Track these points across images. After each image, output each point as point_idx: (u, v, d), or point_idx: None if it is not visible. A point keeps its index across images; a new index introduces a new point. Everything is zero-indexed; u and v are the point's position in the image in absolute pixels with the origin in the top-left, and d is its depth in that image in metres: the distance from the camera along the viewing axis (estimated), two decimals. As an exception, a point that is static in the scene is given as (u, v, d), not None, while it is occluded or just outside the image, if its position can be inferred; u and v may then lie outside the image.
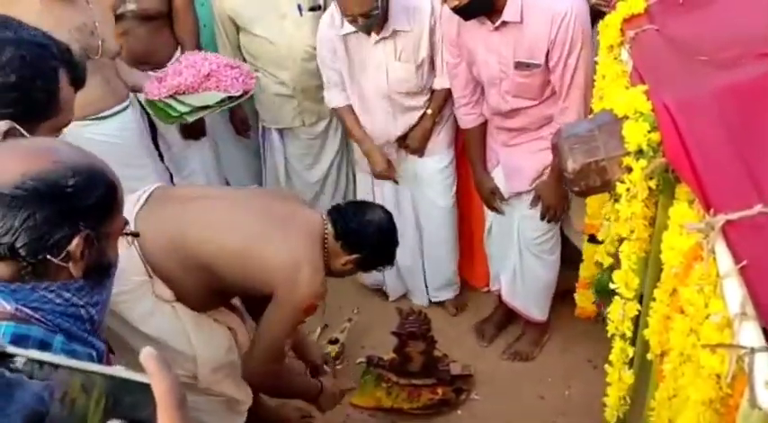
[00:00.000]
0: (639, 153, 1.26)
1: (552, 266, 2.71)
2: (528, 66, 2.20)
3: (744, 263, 0.95)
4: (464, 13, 2.16)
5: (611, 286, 1.39)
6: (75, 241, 0.95)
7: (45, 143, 1.02)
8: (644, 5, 1.71)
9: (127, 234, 1.10)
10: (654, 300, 1.29)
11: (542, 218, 2.49)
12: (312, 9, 2.73)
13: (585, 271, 2.19)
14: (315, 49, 2.72)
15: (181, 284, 1.89)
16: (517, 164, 2.49)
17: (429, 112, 2.67)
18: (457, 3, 2.10)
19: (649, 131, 1.24)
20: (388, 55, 2.54)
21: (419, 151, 2.76)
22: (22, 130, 1.17)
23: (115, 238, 1.05)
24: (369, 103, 2.66)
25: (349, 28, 2.51)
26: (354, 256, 2.02)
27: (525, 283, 2.73)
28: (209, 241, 1.83)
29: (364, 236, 2.02)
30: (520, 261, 2.71)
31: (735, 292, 0.95)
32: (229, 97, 2.37)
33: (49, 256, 0.94)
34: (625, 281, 1.36)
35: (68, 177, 0.93)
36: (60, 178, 0.93)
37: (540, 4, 2.15)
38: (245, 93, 2.42)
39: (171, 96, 2.34)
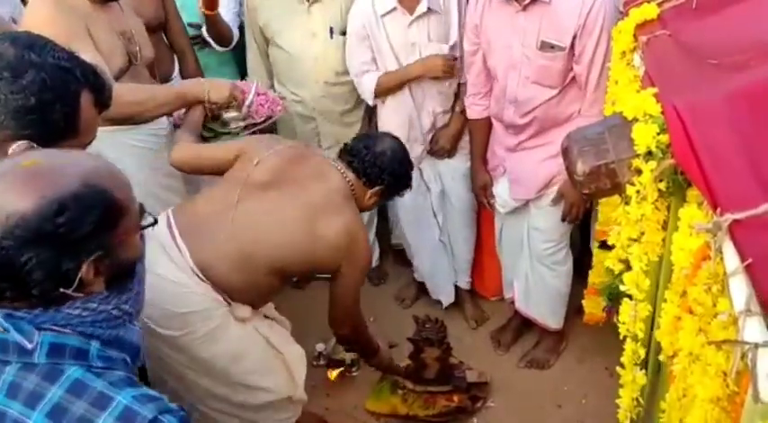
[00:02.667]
0: (649, 155, 1.26)
1: (565, 276, 2.71)
2: (552, 47, 2.20)
3: (749, 261, 0.95)
4: None
5: (622, 288, 1.40)
6: (84, 268, 0.94)
7: (34, 169, 0.96)
8: (657, 12, 1.72)
9: (144, 227, 1.07)
10: (665, 301, 1.29)
11: (563, 218, 2.48)
12: (344, 33, 2.71)
13: (595, 277, 2.19)
14: (341, 74, 2.75)
15: (253, 294, 1.98)
16: (524, 171, 2.50)
17: (458, 109, 2.68)
18: None
19: (658, 133, 1.25)
20: (422, 35, 2.55)
21: (449, 152, 2.77)
22: (37, 147, 1.17)
23: (130, 238, 1.02)
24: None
25: (386, 7, 2.52)
26: (378, 188, 2.09)
27: (538, 292, 2.73)
28: (271, 243, 1.91)
29: (383, 167, 2.08)
30: (531, 271, 2.71)
31: (741, 290, 0.95)
32: (253, 123, 2.37)
33: (62, 290, 0.93)
34: (636, 282, 1.36)
35: (55, 216, 0.90)
36: (47, 219, 0.89)
37: None
38: (269, 118, 2.42)
39: None
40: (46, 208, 0.90)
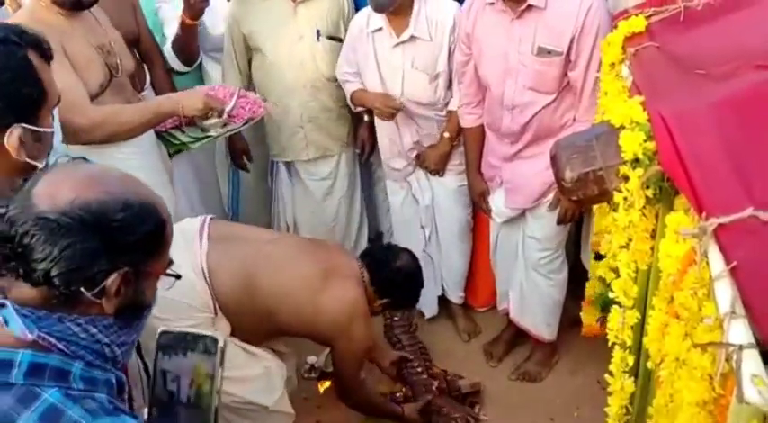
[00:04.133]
0: (636, 162, 1.28)
1: (560, 285, 2.71)
2: (549, 52, 2.20)
3: (734, 264, 0.96)
4: None
5: (611, 296, 1.40)
6: (113, 278, 0.92)
7: (102, 171, 0.99)
8: (645, 24, 1.74)
9: (170, 275, 1.05)
10: (653, 308, 1.30)
11: (559, 222, 2.48)
12: (331, 38, 2.72)
13: (591, 288, 2.19)
14: (328, 79, 2.76)
15: (241, 322, 2.00)
16: (521, 180, 2.50)
17: (446, 135, 2.68)
18: None
19: (645, 140, 1.27)
20: (405, 60, 2.58)
21: (437, 172, 2.79)
22: (32, 127, 1.18)
23: (156, 278, 1.01)
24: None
25: (375, 25, 2.56)
26: (385, 300, 2.19)
27: (533, 301, 2.73)
28: (279, 286, 1.97)
29: (396, 283, 2.19)
30: (526, 280, 2.71)
31: (725, 293, 0.96)
32: (233, 127, 2.39)
33: (82, 289, 0.91)
34: (624, 289, 1.37)
35: (117, 211, 0.91)
36: (108, 211, 0.90)
37: None
38: (250, 119, 2.44)
39: (175, 127, 2.36)
40: (111, 201, 0.91)
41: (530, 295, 2.72)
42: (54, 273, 0.89)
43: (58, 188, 0.92)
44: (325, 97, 2.81)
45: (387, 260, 2.20)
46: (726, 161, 1.13)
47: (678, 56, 1.54)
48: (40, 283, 0.90)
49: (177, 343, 0.91)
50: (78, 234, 0.89)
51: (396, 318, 2.57)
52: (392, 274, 2.18)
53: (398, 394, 2.47)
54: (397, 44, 2.56)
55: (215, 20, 2.81)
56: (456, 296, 3.09)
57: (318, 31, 2.72)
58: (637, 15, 1.80)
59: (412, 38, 2.53)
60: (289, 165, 3.03)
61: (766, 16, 1.50)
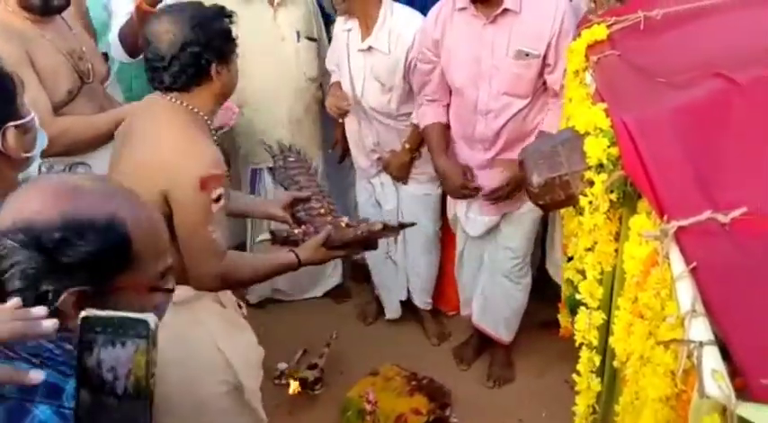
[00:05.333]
0: (600, 167, 1.32)
1: (526, 289, 2.77)
2: (527, 55, 2.24)
3: (694, 264, 1.00)
4: None
5: (578, 297, 1.44)
6: (63, 297, 0.89)
7: (66, 184, 0.95)
8: (606, 33, 1.79)
9: (160, 289, 1.01)
10: (618, 308, 1.33)
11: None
12: (309, 38, 2.79)
13: (566, 290, 2.22)
14: (310, 79, 2.81)
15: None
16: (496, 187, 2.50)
17: (407, 146, 2.71)
18: None
19: (609, 146, 1.31)
20: (366, 66, 2.62)
21: (399, 180, 2.82)
22: (20, 121, 1.20)
23: (140, 293, 0.97)
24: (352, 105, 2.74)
25: (348, 25, 2.61)
26: None
27: (498, 305, 2.78)
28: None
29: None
30: (491, 285, 2.75)
31: (686, 293, 0.99)
32: None
33: None
34: (590, 291, 1.40)
35: (53, 231, 0.88)
36: (44, 231, 0.88)
37: None
38: (220, 128, 2.39)
39: None
40: (49, 220, 0.88)
41: (494, 299, 2.77)
42: (9, 289, 0.88)
43: (10, 207, 0.91)
44: (308, 97, 2.85)
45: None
46: (685, 166, 1.18)
47: (639, 64, 1.59)
48: (2, 300, 0.89)
49: (107, 329, 0.84)
50: (20, 255, 0.87)
51: (291, 158, 2.20)
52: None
53: (297, 231, 1.98)
54: (360, 50, 2.61)
55: None
56: (422, 302, 3.11)
57: (298, 33, 2.76)
58: (599, 24, 1.85)
59: (370, 48, 2.58)
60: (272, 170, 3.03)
61: (722, 27, 1.56)
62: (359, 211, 3.06)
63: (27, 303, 0.88)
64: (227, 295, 2.06)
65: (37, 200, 0.91)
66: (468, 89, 2.39)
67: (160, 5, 2.31)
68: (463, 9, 2.31)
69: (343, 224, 1.94)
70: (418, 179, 2.80)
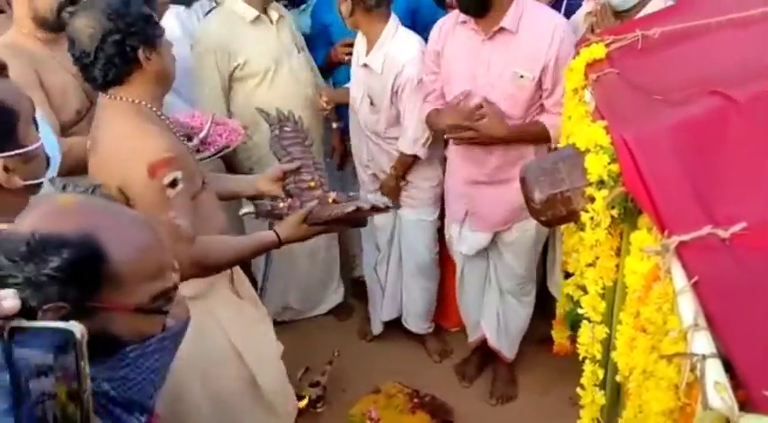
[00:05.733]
0: (601, 183, 1.33)
1: (531, 306, 2.78)
2: (522, 76, 2.26)
3: (695, 279, 1.02)
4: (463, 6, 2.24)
5: (580, 311, 1.45)
6: (41, 312, 0.89)
7: (51, 202, 0.97)
8: (605, 51, 1.82)
9: (150, 311, 0.99)
10: (620, 323, 1.34)
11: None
12: (302, 49, 2.91)
13: (561, 307, 2.24)
14: (314, 88, 2.90)
15: None
16: (486, 205, 2.54)
17: (393, 171, 2.73)
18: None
19: (609, 163, 1.32)
20: (363, 84, 2.68)
21: (394, 202, 2.83)
22: (13, 152, 1.20)
23: (125, 313, 0.95)
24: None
25: (359, 39, 2.68)
26: None
27: (509, 325, 2.78)
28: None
29: None
30: (502, 305, 2.76)
31: (688, 307, 1.01)
32: (207, 154, 2.35)
33: (23, 320, 0.87)
34: (592, 305, 1.42)
35: (21, 244, 0.88)
36: (16, 242, 0.89)
37: (539, 15, 2.23)
38: (226, 147, 2.43)
39: None
40: (22, 236, 0.89)
41: (505, 320, 2.78)
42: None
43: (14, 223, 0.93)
44: (313, 106, 2.91)
45: None
46: (684, 182, 1.20)
47: (637, 82, 1.62)
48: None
49: (36, 343, 0.81)
50: (6, 269, 0.88)
51: (287, 128, 2.11)
52: None
53: (282, 205, 1.94)
54: (360, 65, 2.66)
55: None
56: (417, 327, 3.11)
57: (296, 45, 2.86)
58: (597, 43, 1.88)
59: (365, 65, 2.62)
60: None
61: (718, 45, 1.59)
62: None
63: (16, 318, 0.87)
64: (245, 286, 2.05)
65: (24, 217, 0.93)
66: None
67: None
68: (465, 22, 2.33)
69: (330, 200, 1.89)
70: (412, 204, 2.82)
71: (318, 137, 2.98)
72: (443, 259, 3.05)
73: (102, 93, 1.72)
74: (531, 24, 2.23)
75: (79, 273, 0.90)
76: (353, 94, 2.75)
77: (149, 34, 1.66)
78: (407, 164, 2.68)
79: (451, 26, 2.39)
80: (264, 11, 2.76)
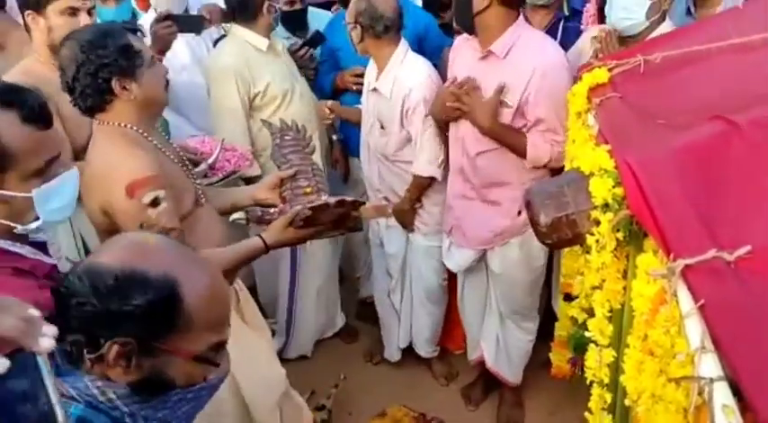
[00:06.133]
0: (606, 206, 1.35)
1: (532, 332, 2.78)
2: (501, 102, 2.28)
3: (702, 302, 1.02)
4: (456, 18, 2.30)
5: (587, 334, 1.45)
6: (108, 344, 0.91)
7: (137, 239, 1.01)
8: (608, 76, 1.85)
9: (205, 361, 1.00)
10: (628, 346, 1.35)
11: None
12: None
13: (561, 329, 2.23)
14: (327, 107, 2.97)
15: None
16: (470, 222, 2.55)
17: (407, 194, 2.72)
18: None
19: (614, 186, 1.34)
20: (373, 107, 2.70)
21: (404, 227, 2.84)
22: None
23: (184, 359, 0.96)
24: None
25: (372, 63, 2.72)
26: None
27: (510, 351, 2.78)
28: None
29: None
30: (502, 330, 2.75)
31: (695, 330, 1.01)
32: (214, 179, 2.38)
33: (85, 350, 0.92)
34: (599, 328, 1.42)
35: (111, 277, 0.91)
36: (104, 275, 0.91)
37: (530, 47, 2.24)
38: (233, 173, 2.46)
39: None
40: (109, 267, 0.92)
41: (505, 345, 2.77)
42: (67, 328, 0.91)
43: (97, 251, 0.97)
44: (320, 125, 2.98)
45: None
46: (688, 205, 1.21)
47: (640, 106, 1.64)
48: (61, 335, 0.91)
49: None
50: (80, 295, 0.91)
51: (287, 137, 2.11)
52: None
53: (272, 210, 1.94)
54: (371, 90, 2.70)
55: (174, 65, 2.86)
56: (425, 352, 3.10)
57: (299, 72, 2.93)
58: (600, 67, 1.91)
59: (375, 90, 2.66)
60: None
61: (718, 70, 1.62)
62: (370, 243, 3.11)
63: (79, 344, 0.91)
64: (250, 307, 2.06)
65: (109, 250, 0.96)
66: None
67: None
68: (469, 38, 2.38)
69: (333, 202, 1.84)
70: (422, 230, 2.82)
71: (322, 147, 3.02)
72: (451, 279, 3.05)
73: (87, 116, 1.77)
74: (519, 54, 2.25)
75: (156, 313, 0.92)
76: (365, 119, 2.78)
77: (124, 66, 1.69)
78: (423, 186, 2.69)
79: (463, 41, 2.45)
80: (272, 41, 2.81)
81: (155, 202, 1.65)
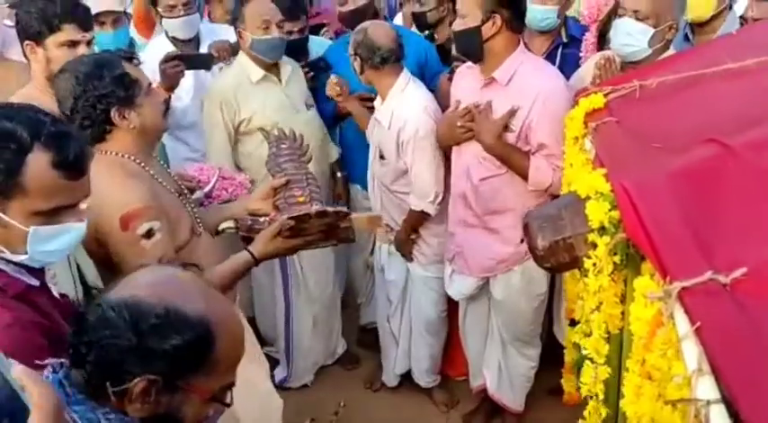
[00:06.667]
0: (602, 230, 1.35)
1: (536, 360, 2.76)
2: (505, 127, 2.30)
3: (698, 324, 1.02)
4: (455, 43, 2.32)
5: (584, 352, 1.45)
6: (137, 380, 0.91)
7: (177, 277, 1.02)
8: (603, 101, 1.87)
9: (220, 402, 1.02)
10: (627, 370, 1.34)
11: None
12: (311, 106, 2.95)
13: (569, 355, 2.22)
14: (321, 144, 2.94)
15: None
16: (470, 249, 2.56)
17: (405, 224, 2.73)
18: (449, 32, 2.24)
19: (610, 210, 1.34)
20: (377, 135, 2.72)
21: (403, 255, 2.84)
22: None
23: (201, 398, 0.98)
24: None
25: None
26: None
27: (513, 377, 2.76)
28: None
29: None
30: (504, 356, 2.74)
31: (692, 352, 1.01)
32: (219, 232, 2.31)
33: (107, 384, 0.92)
34: (596, 347, 1.42)
35: (154, 315, 0.91)
36: (147, 313, 0.91)
37: (532, 74, 2.27)
38: (228, 200, 2.42)
39: None
40: (154, 305, 0.92)
41: (507, 372, 2.75)
42: (90, 358, 0.91)
43: (128, 283, 0.96)
44: (321, 160, 2.95)
45: None
46: (684, 228, 1.21)
47: (636, 130, 1.66)
48: (79, 364, 0.92)
49: None
50: (116, 329, 0.91)
51: (283, 146, 2.10)
52: None
53: (262, 220, 1.94)
54: (374, 118, 2.72)
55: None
56: (424, 381, 3.08)
57: (306, 103, 2.91)
58: (596, 93, 1.93)
59: (376, 120, 2.68)
60: None
61: (713, 95, 1.63)
62: (374, 269, 3.10)
63: (103, 372, 0.91)
64: (249, 341, 2.04)
65: (147, 285, 0.96)
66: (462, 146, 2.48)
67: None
68: (472, 66, 2.41)
69: (313, 212, 1.83)
70: (420, 260, 2.82)
71: (324, 182, 3.02)
72: (451, 306, 3.04)
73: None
74: (521, 80, 2.28)
75: (189, 354, 0.94)
76: (371, 148, 2.80)
77: (122, 96, 1.69)
78: (418, 219, 2.69)
79: (465, 68, 2.49)
80: (271, 70, 2.81)
81: (149, 234, 1.66)
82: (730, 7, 2.87)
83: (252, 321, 3.11)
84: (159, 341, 0.91)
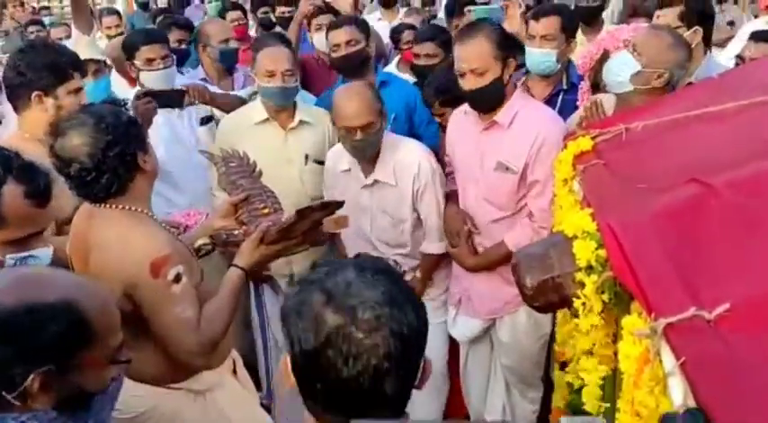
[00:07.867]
0: (590, 269, 1.37)
1: (537, 401, 2.73)
2: (507, 168, 2.33)
3: (683, 359, 1.03)
4: (472, 101, 2.33)
5: (584, 399, 1.44)
6: (31, 378, 0.93)
7: (24, 275, 1.04)
8: (591, 144, 1.91)
9: (118, 362, 1.06)
10: (618, 411, 1.34)
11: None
12: (318, 162, 2.83)
13: (559, 400, 2.19)
14: (312, 198, 2.75)
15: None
16: (476, 292, 2.55)
17: (418, 275, 2.66)
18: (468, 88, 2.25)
19: (596, 248, 1.37)
20: (373, 202, 2.59)
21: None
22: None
23: (95, 367, 1.02)
24: (350, 241, 2.69)
25: (344, 166, 2.58)
26: None
27: (516, 420, 2.72)
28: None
29: None
30: (508, 399, 2.71)
31: (678, 388, 1.02)
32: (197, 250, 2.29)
33: (4, 393, 0.93)
34: (595, 396, 1.42)
35: (20, 315, 0.93)
36: (10, 317, 0.93)
37: (532, 114, 2.31)
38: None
39: None
40: (14, 307, 0.94)
41: (512, 414, 2.71)
42: None
43: None
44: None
45: None
46: (669, 265, 1.23)
47: (622, 172, 1.69)
48: None
49: None
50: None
51: (232, 163, 2.10)
52: None
53: (237, 232, 1.97)
54: (364, 187, 2.59)
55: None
56: None
57: (307, 156, 2.85)
58: (584, 136, 1.97)
59: (376, 182, 2.56)
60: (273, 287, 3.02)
61: (695, 137, 1.68)
62: None
63: None
64: (244, 378, 2.06)
65: (1, 292, 0.97)
66: (461, 188, 2.52)
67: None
68: (468, 112, 2.45)
69: (283, 219, 1.87)
70: (429, 305, 2.76)
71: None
72: (452, 346, 3.01)
73: (94, 204, 1.74)
74: (522, 121, 2.33)
75: (68, 336, 0.96)
76: (360, 220, 2.59)
77: (142, 138, 1.75)
78: (435, 264, 2.65)
79: (461, 112, 2.50)
80: (279, 115, 2.80)
81: (177, 279, 1.69)
82: (708, 50, 2.92)
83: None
84: (35, 338, 0.92)
